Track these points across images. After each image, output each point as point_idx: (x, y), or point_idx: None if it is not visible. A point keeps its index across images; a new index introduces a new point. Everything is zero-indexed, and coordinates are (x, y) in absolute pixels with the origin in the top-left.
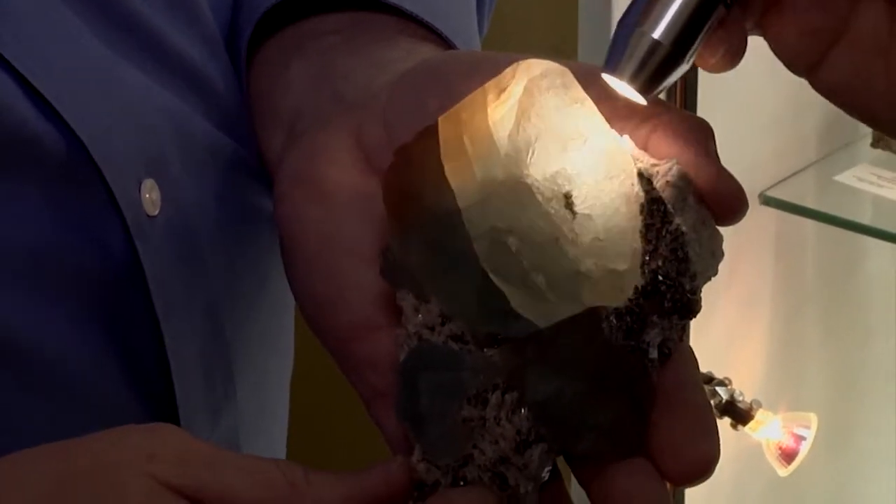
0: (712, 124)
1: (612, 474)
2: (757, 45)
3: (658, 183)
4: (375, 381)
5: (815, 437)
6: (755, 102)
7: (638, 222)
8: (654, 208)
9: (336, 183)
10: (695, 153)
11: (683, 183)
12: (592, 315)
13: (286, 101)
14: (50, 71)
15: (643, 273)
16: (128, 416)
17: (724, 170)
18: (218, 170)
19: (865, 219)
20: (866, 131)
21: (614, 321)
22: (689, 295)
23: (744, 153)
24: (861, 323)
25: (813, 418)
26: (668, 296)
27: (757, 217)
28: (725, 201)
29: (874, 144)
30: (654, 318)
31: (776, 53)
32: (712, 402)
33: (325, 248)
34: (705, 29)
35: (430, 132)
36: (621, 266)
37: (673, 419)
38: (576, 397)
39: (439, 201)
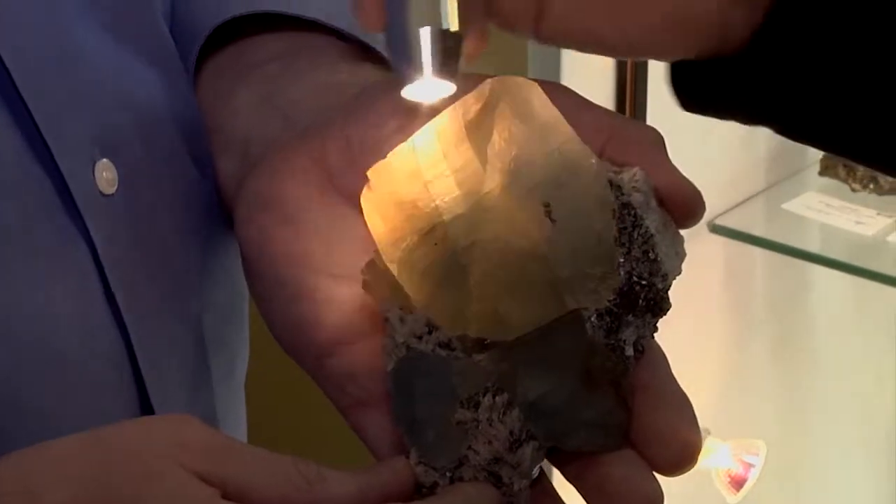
0: None
1: (606, 466)
2: None
3: (626, 189)
4: (355, 392)
5: (764, 463)
6: (704, 131)
7: (612, 227)
8: (624, 213)
9: (300, 205)
10: (652, 159)
11: (647, 188)
12: (575, 317)
13: (234, 130)
14: (22, 51)
15: (619, 274)
16: (96, 385)
17: (681, 174)
18: (186, 160)
19: (813, 247)
20: (814, 160)
21: (595, 321)
22: (661, 294)
23: (692, 181)
24: (809, 350)
25: (761, 445)
26: (643, 295)
27: (706, 245)
28: (686, 203)
29: (822, 172)
30: (630, 317)
31: (500, 26)
32: None
33: (295, 269)
34: None
35: (405, 150)
36: (599, 270)
37: (655, 411)
38: (564, 395)
39: (421, 216)
